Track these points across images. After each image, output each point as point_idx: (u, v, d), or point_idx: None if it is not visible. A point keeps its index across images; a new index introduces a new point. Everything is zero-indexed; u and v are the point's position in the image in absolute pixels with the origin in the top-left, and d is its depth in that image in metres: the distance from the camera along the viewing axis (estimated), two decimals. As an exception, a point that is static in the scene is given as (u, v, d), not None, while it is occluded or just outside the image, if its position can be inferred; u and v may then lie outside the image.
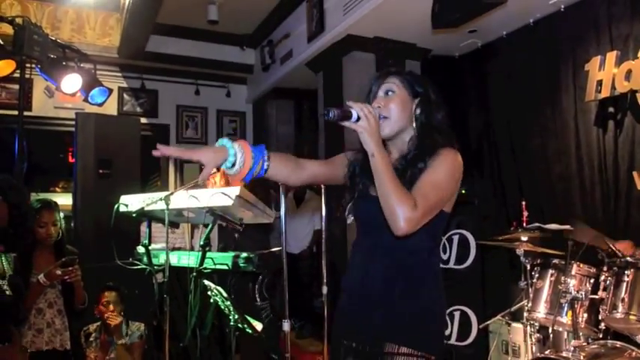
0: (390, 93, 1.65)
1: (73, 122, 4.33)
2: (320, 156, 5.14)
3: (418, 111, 1.65)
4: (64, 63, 3.83)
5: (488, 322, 3.63)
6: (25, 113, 5.60)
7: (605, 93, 3.69)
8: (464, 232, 4.10)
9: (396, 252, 1.58)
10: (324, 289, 3.22)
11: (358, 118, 1.48)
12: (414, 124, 1.65)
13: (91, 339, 3.13)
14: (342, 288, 1.72)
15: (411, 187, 1.50)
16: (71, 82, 3.80)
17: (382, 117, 1.59)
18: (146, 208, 2.86)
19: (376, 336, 1.55)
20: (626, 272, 2.55)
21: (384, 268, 1.58)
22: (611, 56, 3.66)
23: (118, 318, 3.13)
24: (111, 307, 3.11)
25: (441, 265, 4.16)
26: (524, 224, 3.48)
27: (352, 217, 1.74)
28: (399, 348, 1.50)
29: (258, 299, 3.48)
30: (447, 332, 4.09)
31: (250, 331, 2.66)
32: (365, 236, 1.68)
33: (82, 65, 3.97)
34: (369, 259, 1.63)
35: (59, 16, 5.73)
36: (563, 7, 4.02)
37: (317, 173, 1.75)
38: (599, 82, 3.71)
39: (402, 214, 1.42)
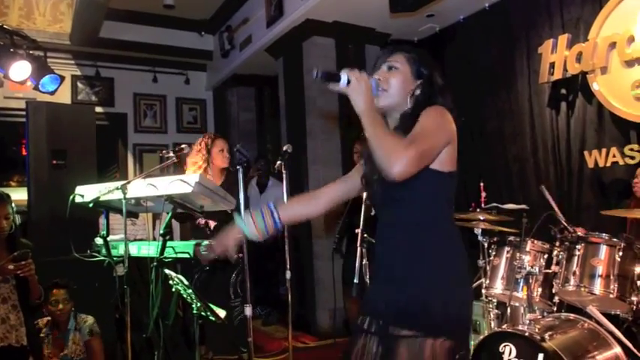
0: (392, 69, 1.63)
1: (24, 112, 4.16)
2: (282, 142, 5.12)
3: (418, 91, 1.62)
4: (12, 50, 3.67)
5: (449, 301, 3.71)
6: (-27, 104, 5.39)
7: (557, 75, 3.80)
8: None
9: (402, 226, 1.56)
10: (288, 274, 3.23)
11: (349, 83, 1.48)
12: (410, 102, 1.62)
13: (42, 334, 3.04)
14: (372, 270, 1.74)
15: None
16: (20, 69, 3.64)
17: (381, 89, 1.58)
18: (102, 198, 2.78)
19: (385, 318, 1.53)
20: (577, 247, 2.65)
21: (392, 247, 1.58)
22: (563, 39, 3.77)
23: (66, 314, 3.05)
24: (60, 305, 3.01)
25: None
26: (483, 205, 3.57)
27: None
28: (406, 331, 1.47)
29: (232, 296, 3.46)
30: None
31: (213, 319, 2.64)
32: (379, 219, 1.67)
33: (31, 52, 3.81)
34: (380, 241, 1.64)
35: (6, 1, 5.50)
36: (516, -9, 4.11)
37: (334, 196, 1.78)
38: (552, 65, 3.83)
39: (394, 156, 1.39)
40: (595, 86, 3.60)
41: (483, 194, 3.68)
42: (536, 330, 2.41)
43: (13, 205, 2.94)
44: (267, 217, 1.67)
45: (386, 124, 1.60)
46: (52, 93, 3.96)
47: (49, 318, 3.08)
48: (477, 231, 3.19)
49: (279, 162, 3.22)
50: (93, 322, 3.16)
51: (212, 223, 3.57)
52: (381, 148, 1.43)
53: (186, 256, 2.95)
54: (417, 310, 1.49)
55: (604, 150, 3.58)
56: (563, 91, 3.88)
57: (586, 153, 3.70)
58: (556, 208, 2.86)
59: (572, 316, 2.65)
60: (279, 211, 1.70)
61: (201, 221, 3.59)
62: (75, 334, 3.07)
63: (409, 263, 1.54)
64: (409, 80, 1.62)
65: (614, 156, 3.53)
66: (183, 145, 3.53)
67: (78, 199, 2.93)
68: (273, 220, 1.67)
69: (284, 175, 3.26)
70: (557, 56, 3.80)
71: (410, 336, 1.47)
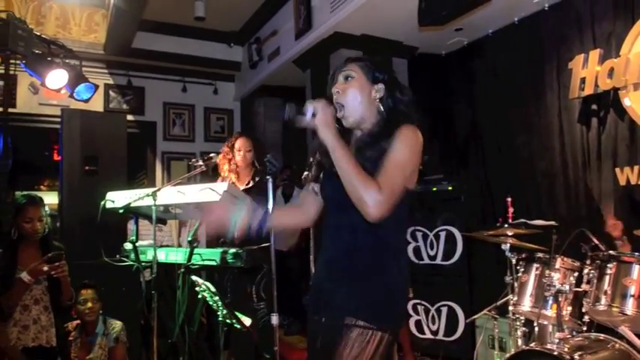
0: (349, 78, 1.70)
1: (58, 119, 4.28)
2: (308, 152, 5.13)
3: (381, 95, 1.68)
4: (49, 59, 3.78)
5: (474, 317, 3.67)
6: (10, 110, 5.55)
7: (588, 90, 3.75)
8: (451, 228, 4.15)
9: (359, 231, 1.61)
10: (313, 286, 3.23)
11: (314, 115, 1.56)
12: (381, 109, 1.68)
13: (71, 338, 3.10)
14: (316, 266, 1.82)
15: (372, 166, 1.55)
16: (56, 77, 3.76)
17: (340, 105, 1.66)
18: (133, 204, 2.84)
19: (338, 310, 1.60)
20: (608, 265, 2.59)
21: (347, 247, 1.64)
22: (594, 54, 3.72)
23: (95, 315, 3.11)
24: (88, 304, 3.07)
25: (428, 261, 4.24)
26: (510, 220, 3.53)
27: (318, 193, 1.82)
28: (356, 321, 1.55)
29: (255, 300, 3.48)
30: (435, 328, 4.13)
31: (239, 327, 2.66)
32: (332, 215, 1.75)
33: (67, 61, 3.93)
34: (334, 239, 1.69)
35: (44, 11, 5.67)
36: (547, 5, 4.08)
37: (318, 207, 1.87)
38: (583, 80, 3.78)
39: (369, 199, 1.47)
40: (627, 102, 3.54)
41: (511, 210, 3.64)
42: (566, 349, 2.35)
43: (46, 208, 3.03)
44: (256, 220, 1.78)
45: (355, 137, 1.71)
46: (87, 101, 4.07)
47: (79, 322, 3.13)
48: (505, 247, 3.15)
49: (305, 173, 3.24)
50: (121, 330, 3.20)
51: None
52: (355, 190, 1.50)
53: (213, 263, 2.99)
54: (374, 303, 1.58)
55: (636, 167, 3.51)
56: (594, 106, 3.82)
57: (617, 170, 3.63)
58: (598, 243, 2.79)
59: (602, 336, 2.58)
60: (273, 217, 1.86)
61: None
62: (102, 339, 3.12)
63: (365, 265, 1.61)
64: (366, 86, 1.69)
65: (646, 173, 3.46)
66: (212, 154, 3.59)
67: (109, 205, 3.00)
68: (261, 224, 1.78)
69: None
70: (588, 71, 3.75)
71: (363, 327, 1.55)
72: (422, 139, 1.61)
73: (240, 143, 3.72)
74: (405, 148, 1.56)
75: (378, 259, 1.62)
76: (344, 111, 1.67)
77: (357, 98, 1.67)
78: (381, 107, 1.69)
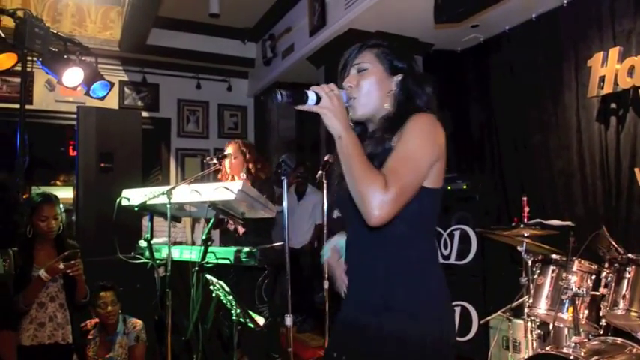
0: (363, 71, 1.47)
1: (74, 116, 4.33)
2: (321, 150, 5.13)
3: (396, 88, 1.44)
4: (65, 56, 3.81)
5: (489, 318, 3.64)
6: (27, 107, 5.61)
7: (607, 89, 3.68)
8: (465, 227, 4.11)
9: (372, 247, 1.39)
10: (326, 284, 3.23)
11: (319, 100, 1.34)
12: (391, 103, 1.44)
13: (90, 336, 3.12)
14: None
15: (379, 165, 1.31)
16: (73, 75, 3.79)
17: (351, 98, 1.44)
18: (148, 202, 2.86)
19: (363, 353, 1.37)
20: (627, 269, 2.55)
21: (362, 268, 1.42)
22: (614, 52, 3.65)
23: (115, 317, 3.12)
24: (109, 307, 3.07)
25: (442, 261, 4.21)
26: (526, 220, 3.49)
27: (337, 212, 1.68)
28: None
29: (257, 302, 3.49)
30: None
31: (252, 326, 2.67)
32: (348, 230, 1.52)
33: (83, 58, 3.96)
34: (352, 259, 1.48)
35: (60, 9, 5.72)
36: (565, 2, 4.01)
37: None
38: (602, 78, 3.71)
39: (373, 199, 1.22)
40: (648, 101, 3.47)
41: (526, 209, 3.59)
42: (582, 353, 2.32)
43: (61, 206, 3.05)
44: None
45: (366, 130, 1.49)
46: (102, 98, 4.10)
47: (97, 320, 3.15)
48: (521, 247, 3.11)
49: (320, 172, 3.23)
50: (141, 329, 3.21)
51: (241, 230, 3.60)
52: (358, 188, 1.26)
53: (227, 261, 3.00)
54: (402, 345, 1.31)
55: (656, 167, 3.45)
56: (613, 105, 3.75)
57: (636, 170, 3.56)
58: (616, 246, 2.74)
59: (619, 340, 2.55)
60: None
61: (230, 226, 3.64)
62: (123, 338, 3.12)
63: (386, 286, 1.36)
64: (384, 79, 1.46)
65: (666, 174, 3.39)
66: (226, 152, 3.61)
67: (124, 203, 3.02)
68: None
69: (324, 185, 3.27)
70: (607, 69, 3.68)
71: None
72: (440, 128, 1.37)
73: (230, 148, 3.72)
74: (416, 139, 1.32)
75: (401, 282, 1.36)
76: (354, 103, 1.44)
77: (371, 92, 1.44)
78: (396, 99, 1.45)
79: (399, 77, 1.46)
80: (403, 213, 1.29)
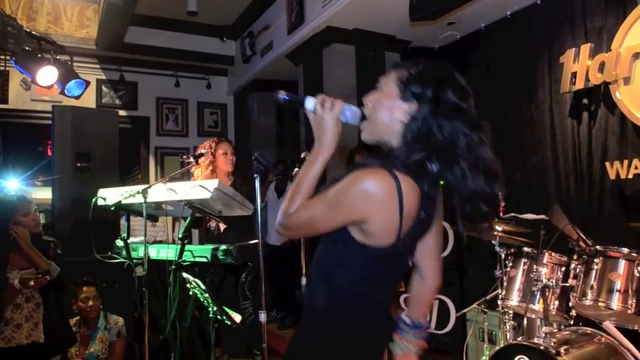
0: (379, 90, 1.34)
1: (50, 115, 4.28)
2: (301, 146, 5.14)
3: (409, 118, 1.26)
4: (39, 55, 3.75)
5: (465, 311, 3.70)
6: (1, 106, 5.54)
7: (579, 85, 3.75)
8: (442, 221, 4.15)
9: (320, 264, 1.40)
10: (304, 280, 3.25)
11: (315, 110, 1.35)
12: (399, 137, 1.28)
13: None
14: None
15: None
16: (47, 74, 3.73)
17: (364, 116, 1.35)
18: (124, 202, 2.85)
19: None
20: (595, 260, 2.62)
21: (310, 286, 1.44)
22: (585, 49, 3.72)
23: (96, 312, 3.15)
24: (90, 302, 3.12)
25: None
26: (501, 214, 3.55)
27: None
28: None
29: (241, 299, 3.50)
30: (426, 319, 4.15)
31: (229, 323, 2.68)
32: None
33: (58, 57, 3.91)
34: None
35: (35, 7, 5.64)
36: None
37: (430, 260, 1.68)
38: (574, 75, 3.78)
39: (284, 210, 1.29)
40: (618, 96, 3.55)
41: (502, 204, 3.65)
42: (552, 344, 2.38)
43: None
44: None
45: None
46: (78, 97, 4.05)
47: (78, 317, 3.17)
48: (495, 241, 3.17)
49: (296, 169, 3.25)
50: (122, 325, 3.28)
51: (222, 227, 3.61)
52: (287, 197, 1.32)
53: (204, 260, 3.00)
54: None
55: (626, 161, 3.52)
56: (585, 101, 3.83)
57: (607, 164, 3.65)
58: (570, 226, 2.81)
59: (589, 330, 2.62)
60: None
61: (212, 224, 3.65)
62: (104, 333, 3.18)
63: (314, 312, 1.40)
64: (393, 102, 1.28)
65: (636, 167, 3.46)
66: (202, 151, 3.60)
67: (100, 202, 3.00)
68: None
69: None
70: (579, 66, 3.76)
71: None
72: (374, 194, 1.19)
73: (224, 147, 3.73)
74: (337, 190, 1.24)
75: (322, 309, 1.36)
76: (365, 124, 1.34)
77: (378, 116, 1.30)
78: (406, 132, 1.26)
79: (413, 106, 1.26)
80: (332, 261, 1.34)
